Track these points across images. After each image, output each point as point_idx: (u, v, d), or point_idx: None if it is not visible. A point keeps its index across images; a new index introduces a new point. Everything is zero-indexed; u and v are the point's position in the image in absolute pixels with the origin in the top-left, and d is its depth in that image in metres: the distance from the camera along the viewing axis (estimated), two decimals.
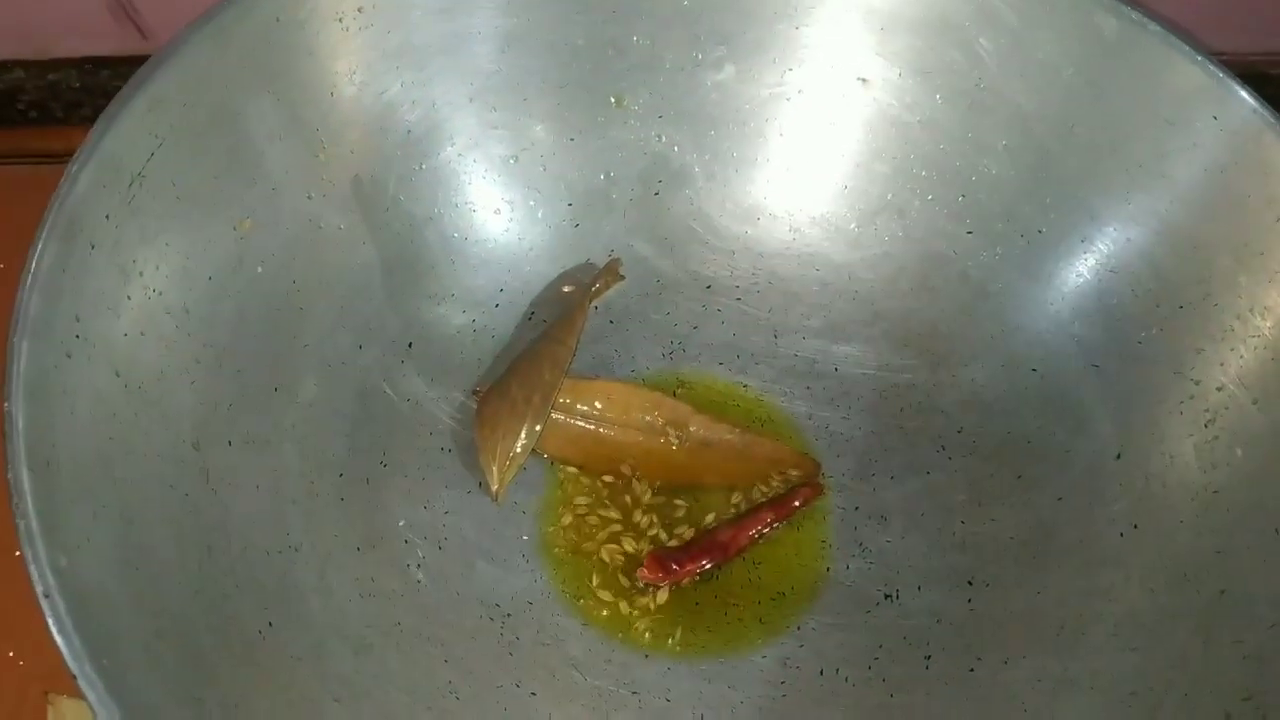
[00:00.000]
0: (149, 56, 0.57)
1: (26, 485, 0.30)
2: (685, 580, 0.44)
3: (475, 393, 0.46)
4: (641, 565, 0.43)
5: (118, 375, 0.35)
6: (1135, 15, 0.43)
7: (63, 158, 0.58)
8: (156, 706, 0.30)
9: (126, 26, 0.57)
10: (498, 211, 0.48)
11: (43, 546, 0.29)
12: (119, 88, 0.58)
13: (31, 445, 0.31)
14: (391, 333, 0.46)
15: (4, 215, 0.55)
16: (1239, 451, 0.41)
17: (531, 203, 0.49)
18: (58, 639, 0.28)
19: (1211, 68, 0.42)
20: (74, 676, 0.27)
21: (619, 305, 0.49)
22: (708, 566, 0.44)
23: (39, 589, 0.28)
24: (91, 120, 0.59)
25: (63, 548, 0.30)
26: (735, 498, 0.46)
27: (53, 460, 0.31)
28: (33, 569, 0.29)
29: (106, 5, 0.55)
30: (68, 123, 0.60)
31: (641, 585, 0.44)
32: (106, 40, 0.57)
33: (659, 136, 0.49)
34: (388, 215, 0.46)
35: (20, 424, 0.31)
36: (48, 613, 0.28)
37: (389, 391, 0.45)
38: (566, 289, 0.49)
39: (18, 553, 0.45)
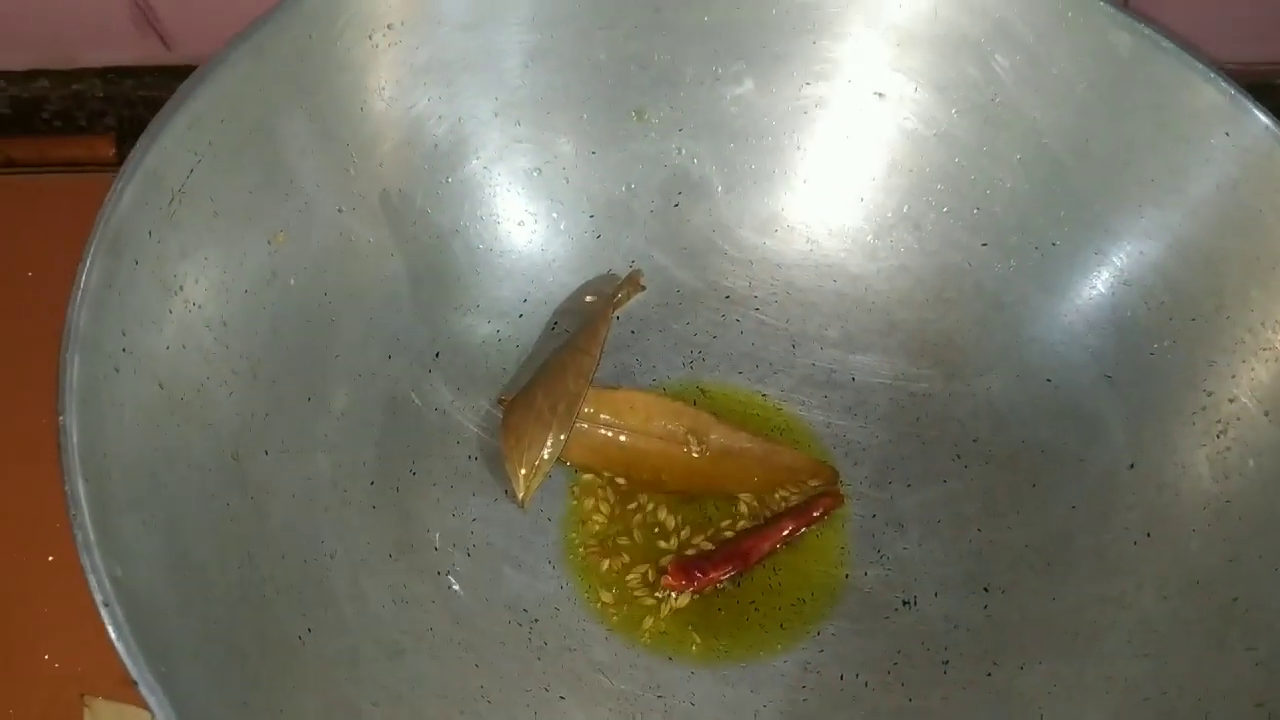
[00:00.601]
0: (172, 66, 0.59)
1: (83, 496, 0.31)
2: (708, 587, 0.44)
3: (501, 402, 0.47)
4: (665, 572, 0.44)
5: (161, 387, 0.36)
6: (1149, 32, 0.44)
7: (86, 166, 0.60)
8: (210, 710, 0.31)
9: (150, 36, 0.57)
10: (521, 223, 0.49)
11: (100, 556, 0.30)
12: (142, 97, 0.60)
13: (85, 457, 0.31)
14: (419, 343, 0.47)
15: (31, 223, 0.56)
16: (1251, 462, 0.42)
17: (554, 214, 0.49)
18: (118, 645, 0.29)
19: (1224, 85, 0.43)
20: (134, 683, 0.28)
21: (640, 315, 0.50)
22: (731, 574, 0.45)
23: (98, 598, 0.29)
24: (115, 129, 0.61)
25: (117, 557, 0.30)
26: (755, 505, 0.47)
27: (104, 472, 0.32)
28: (91, 578, 0.29)
29: (130, 16, 0.56)
30: (91, 131, 0.61)
31: (665, 592, 0.44)
32: (130, 50, 0.58)
33: (679, 149, 0.50)
34: (415, 228, 0.47)
35: (75, 436, 0.31)
36: (108, 621, 0.29)
37: (417, 401, 0.46)
38: (589, 299, 0.50)
39: (50, 558, 0.47)
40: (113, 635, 0.29)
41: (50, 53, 0.58)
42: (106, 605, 0.29)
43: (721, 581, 0.45)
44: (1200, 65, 0.43)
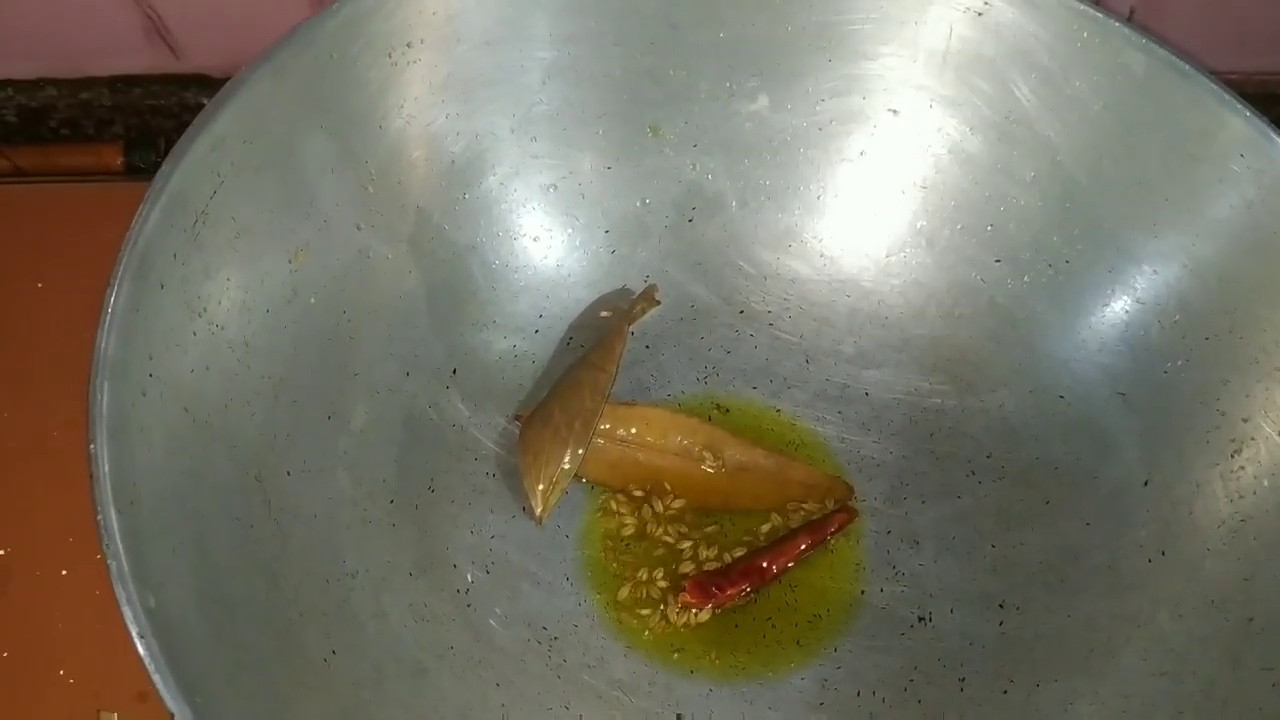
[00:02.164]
0: (180, 75, 0.59)
1: (115, 526, 0.31)
2: (725, 604, 0.45)
3: (518, 418, 0.47)
4: (682, 589, 0.45)
5: (186, 411, 0.36)
6: (1165, 54, 0.44)
7: (93, 175, 0.60)
8: None
9: (159, 46, 0.57)
10: (537, 239, 0.49)
11: (134, 587, 0.30)
12: (150, 106, 0.60)
13: (117, 485, 0.32)
14: (436, 359, 0.47)
15: (39, 233, 0.56)
16: (1265, 482, 0.42)
17: (570, 230, 0.50)
18: (155, 679, 0.29)
19: (1239, 106, 0.43)
20: (172, 716, 0.28)
21: (655, 330, 0.50)
22: (747, 591, 0.45)
23: (133, 630, 0.29)
24: (122, 138, 0.61)
25: (150, 586, 0.31)
26: (770, 521, 0.47)
27: (135, 499, 0.32)
28: (126, 610, 0.30)
29: (140, 25, 0.56)
30: (99, 140, 0.61)
31: (682, 608, 0.45)
32: (139, 59, 0.58)
33: (694, 165, 0.50)
34: (432, 244, 0.47)
35: (106, 465, 0.32)
36: (145, 655, 0.29)
37: (434, 417, 0.46)
38: (604, 314, 0.50)
39: (64, 572, 0.47)
40: (149, 667, 0.29)
41: (58, 61, 0.59)
42: (143, 638, 0.29)
43: (738, 598, 0.45)
44: (1216, 87, 0.43)
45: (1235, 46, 0.58)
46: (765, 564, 0.45)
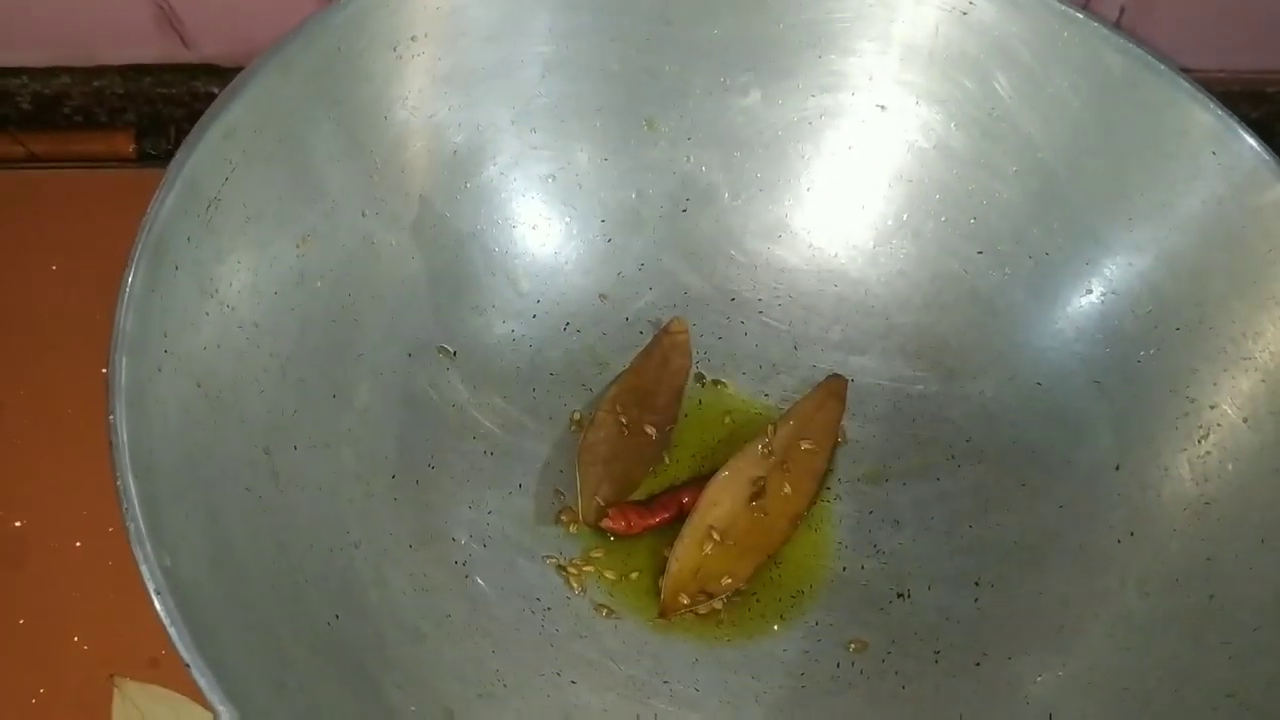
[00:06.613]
0: (190, 65, 0.60)
1: (134, 490, 0.33)
2: (643, 530, 0.47)
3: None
4: (607, 515, 0.47)
5: (199, 386, 0.38)
6: (1141, 54, 0.46)
7: (106, 161, 0.62)
8: (251, 691, 0.33)
9: (170, 36, 0.59)
10: (535, 227, 0.51)
11: (151, 548, 0.32)
12: (161, 94, 0.62)
13: (134, 453, 0.33)
14: (437, 342, 0.48)
15: (53, 217, 0.58)
16: (1230, 466, 0.44)
17: (567, 219, 0.51)
18: (171, 631, 0.31)
19: (1212, 106, 0.45)
20: (187, 665, 0.30)
21: (648, 317, 0.52)
22: (665, 519, 0.47)
23: (150, 586, 0.31)
24: (134, 125, 0.62)
25: (166, 548, 0.32)
26: None
27: (151, 467, 0.34)
28: (144, 568, 0.31)
29: (151, 15, 0.57)
30: (111, 127, 0.62)
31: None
32: (150, 48, 0.60)
33: (688, 157, 0.52)
34: (435, 231, 0.48)
35: (124, 435, 0.33)
36: (160, 609, 0.31)
37: (435, 397, 0.48)
38: (601, 298, 0.51)
39: (78, 544, 0.48)
40: (165, 621, 0.31)
41: (71, 50, 0.60)
42: (159, 594, 0.31)
43: (657, 526, 0.47)
44: (1189, 86, 0.45)
45: (1223, 44, 0.60)
46: (685, 501, 0.47)
